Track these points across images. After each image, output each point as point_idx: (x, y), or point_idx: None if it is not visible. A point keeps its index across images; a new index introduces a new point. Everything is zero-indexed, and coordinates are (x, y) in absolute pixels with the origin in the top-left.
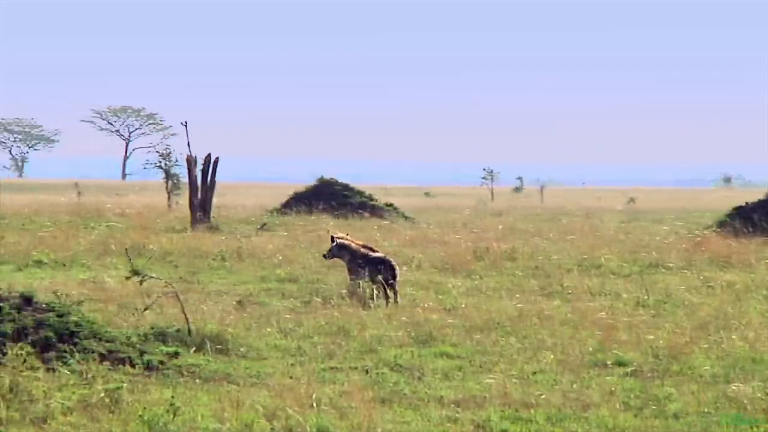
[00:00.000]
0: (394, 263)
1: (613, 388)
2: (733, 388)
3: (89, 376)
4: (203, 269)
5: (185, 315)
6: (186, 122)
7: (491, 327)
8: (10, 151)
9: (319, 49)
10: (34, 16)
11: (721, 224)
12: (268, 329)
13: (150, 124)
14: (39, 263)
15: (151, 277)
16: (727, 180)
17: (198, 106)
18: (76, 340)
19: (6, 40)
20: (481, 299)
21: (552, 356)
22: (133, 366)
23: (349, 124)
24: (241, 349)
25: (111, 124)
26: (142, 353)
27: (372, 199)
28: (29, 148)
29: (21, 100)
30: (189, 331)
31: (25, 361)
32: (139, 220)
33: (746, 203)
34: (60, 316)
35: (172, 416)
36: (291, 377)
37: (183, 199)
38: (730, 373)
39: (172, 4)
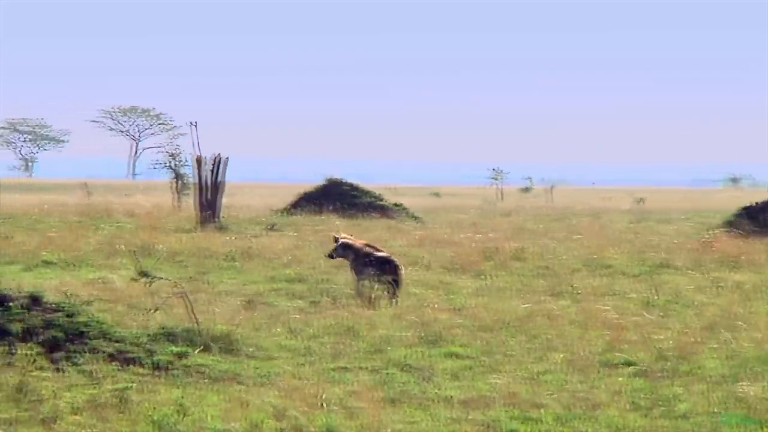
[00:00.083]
0: (398, 263)
1: (621, 389)
2: (742, 388)
3: (98, 376)
4: (212, 269)
5: (194, 315)
6: (195, 122)
7: (500, 327)
8: (19, 151)
9: (319, 49)
10: (43, 17)
11: (730, 224)
12: (277, 329)
13: (159, 124)
14: (48, 263)
15: (159, 278)
16: (735, 180)
17: (198, 106)
18: (84, 340)
19: (15, 41)
20: (490, 299)
21: (560, 356)
22: (141, 366)
23: (349, 124)
24: (250, 349)
25: (120, 123)
26: (150, 353)
27: (381, 200)
28: (38, 148)
29: (29, 101)
30: (198, 331)
31: (33, 361)
32: (148, 220)
33: (755, 203)
34: (69, 316)
35: (180, 416)
36: (299, 377)
37: (191, 199)
38: (739, 373)
39: (175, 4)
